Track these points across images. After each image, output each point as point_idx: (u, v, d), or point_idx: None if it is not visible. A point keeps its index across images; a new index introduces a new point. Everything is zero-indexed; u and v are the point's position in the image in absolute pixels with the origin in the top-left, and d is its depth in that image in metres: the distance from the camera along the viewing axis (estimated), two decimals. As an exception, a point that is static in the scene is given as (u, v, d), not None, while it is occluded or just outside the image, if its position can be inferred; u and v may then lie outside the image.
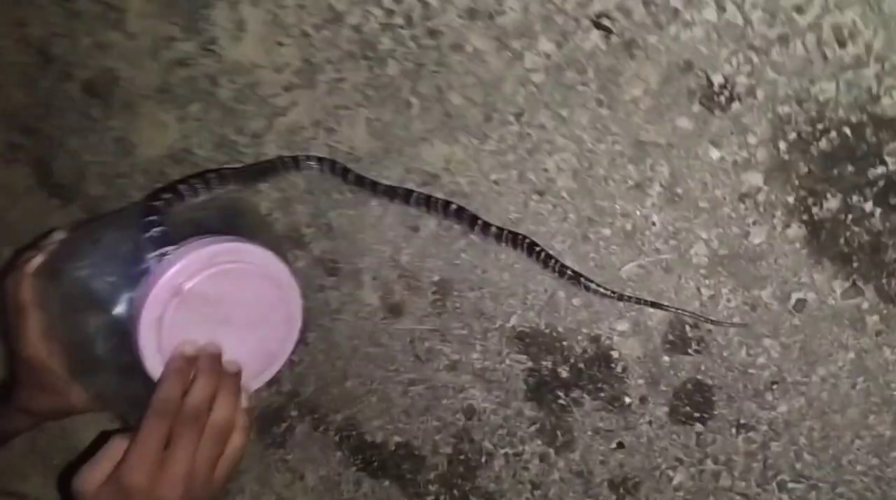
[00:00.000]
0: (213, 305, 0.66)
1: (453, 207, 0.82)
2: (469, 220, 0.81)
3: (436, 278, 0.85)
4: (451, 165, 0.83)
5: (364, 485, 0.92)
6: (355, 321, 0.89)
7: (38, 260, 0.75)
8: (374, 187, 0.84)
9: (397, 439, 0.89)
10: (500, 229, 0.81)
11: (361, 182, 0.85)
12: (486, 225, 0.81)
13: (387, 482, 0.91)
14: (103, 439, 0.65)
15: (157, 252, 0.66)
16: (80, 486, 0.63)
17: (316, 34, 0.83)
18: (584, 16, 0.76)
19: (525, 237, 0.80)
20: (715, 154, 0.73)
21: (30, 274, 0.74)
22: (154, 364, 0.66)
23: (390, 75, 0.82)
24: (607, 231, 0.79)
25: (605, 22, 0.77)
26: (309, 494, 0.95)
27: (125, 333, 0.67)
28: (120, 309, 0.66)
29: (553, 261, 0.79)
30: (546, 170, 0.80)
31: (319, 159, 0.86)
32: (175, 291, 0.65)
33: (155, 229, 0.67)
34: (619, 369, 0.80)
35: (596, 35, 0.76)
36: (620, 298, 0.78)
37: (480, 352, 0.84)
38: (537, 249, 0.79)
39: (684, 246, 0.76)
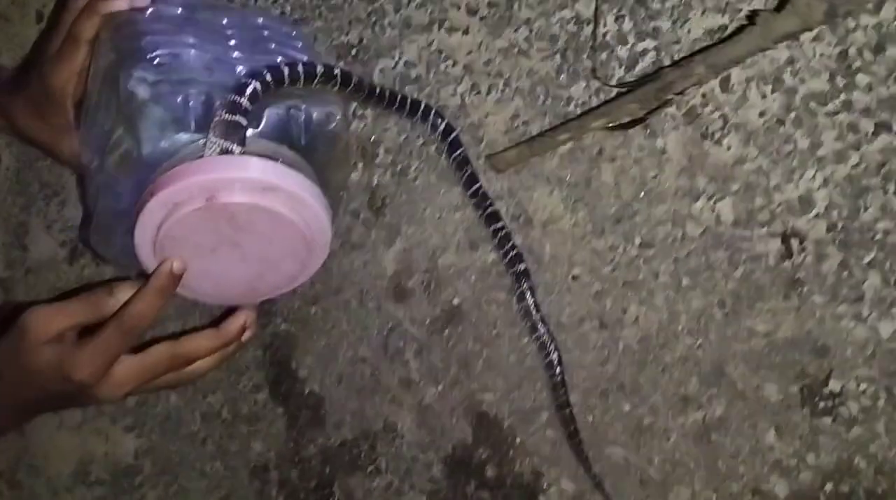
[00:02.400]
0: (236, 229, 0.58)
1: (521, 266, 0.73)
2: (522, 291, 0.74)
3: (454, 302, 0.78)
4: (549, 226, 0.74)
5: (261, 394, 0.89)
6: (361, 268, 0.82)
7: (118, 5, 0.65)
8: (462, 165, 0.75)
9: (316, 388, 0.85)
10: (544, 324, 0.73)
11: (455, 150, 0.75)
12: (536, 308, 0.73)
13: (280, 410, 0.88)
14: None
15: (220, 142, 0.57)
16: (32, 324, 0.60)
17: None
18: (770, 230, 0.67)
19: (557, 350, 0.73)
20: (770, 439, 0.67)
21: (101, 14, 0.65)
22: (146, 253, 0.60)
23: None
24: (625, 407, 0.73)
25: (793, 242, 0.67)
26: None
27: (143, 175, 0.59)
28: (164, 145, 0.59)
29: (562, 389, 0.73)
30: (624, 311, 0.72)
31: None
32: (209, 195, 0.57)
33: (235, 117, 0.57)
34: (535, 511, 0.77)
35: (775, 247, 0.67)
36: (588, 469, 0.73)
37: (439, 393, 0.79)
38: (557, 370, 0.73)
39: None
